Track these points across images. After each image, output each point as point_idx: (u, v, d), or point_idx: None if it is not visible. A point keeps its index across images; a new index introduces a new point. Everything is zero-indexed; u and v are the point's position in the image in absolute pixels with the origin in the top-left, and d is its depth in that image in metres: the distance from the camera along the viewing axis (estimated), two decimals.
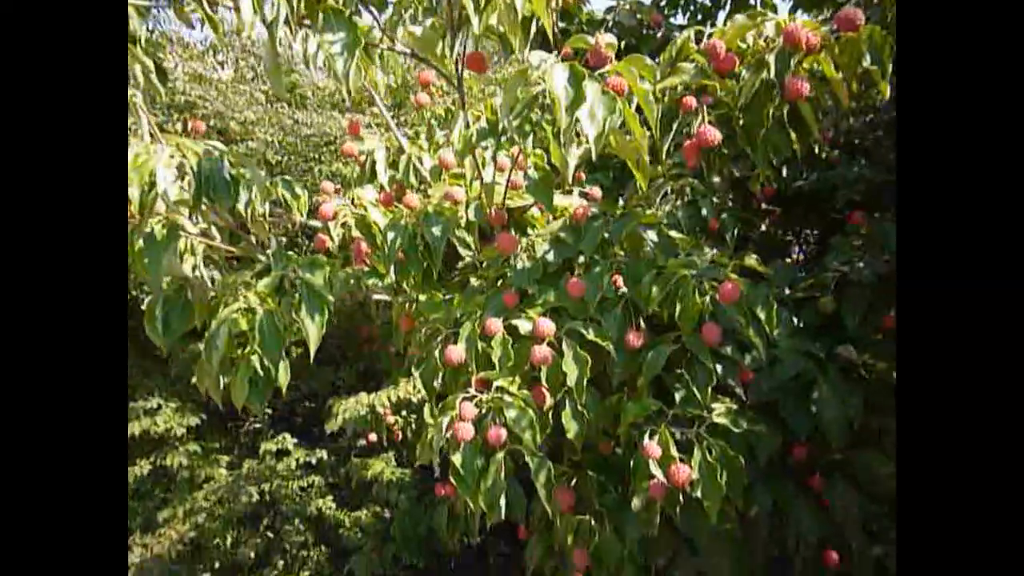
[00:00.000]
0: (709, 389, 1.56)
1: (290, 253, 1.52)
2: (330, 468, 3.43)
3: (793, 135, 1.47)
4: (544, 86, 1.29)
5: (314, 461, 3.30)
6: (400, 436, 3.15)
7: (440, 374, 1.61)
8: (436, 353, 1.55)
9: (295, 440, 3.41)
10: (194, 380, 1.64)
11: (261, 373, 1.39)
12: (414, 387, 2.92)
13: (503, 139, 1.44)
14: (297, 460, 3.27)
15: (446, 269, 2.30)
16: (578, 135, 1.34)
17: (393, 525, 3.14)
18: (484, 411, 1.49)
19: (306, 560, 3.33)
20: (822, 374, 1.71)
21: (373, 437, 3.24)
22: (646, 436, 1.52)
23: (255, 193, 1.62)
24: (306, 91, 4.40)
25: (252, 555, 3.31)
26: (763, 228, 2.43)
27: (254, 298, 1.38)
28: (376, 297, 1.78)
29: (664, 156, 1.53)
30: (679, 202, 2.17)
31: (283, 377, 1.40)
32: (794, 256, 2.67)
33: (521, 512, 1.59)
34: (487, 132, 1.44)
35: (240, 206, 1.61)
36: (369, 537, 3.17)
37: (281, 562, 3.36)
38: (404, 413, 3.13)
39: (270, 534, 3.43)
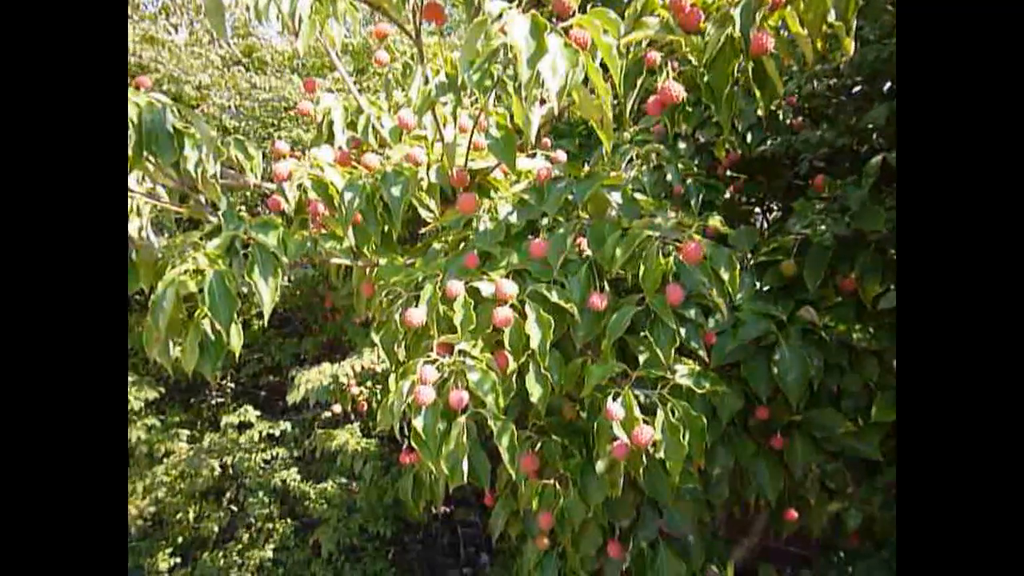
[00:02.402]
0: (673, 350, 1.56)
1: (242, 213, 1.46)
2: (294, 440, 3.39)
3: (757, 93, 1.45)
4: (505, 39, 1.25)
5: (277, 433, 3.26)
6: (365, 407, 3.12)
7: (401, 338, 1.58)
8: (396, 317, 1.52)
9: (258, 413, 3.36)
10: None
11: (212, 337, 1.34)
12: (378, 357, 2.88)
13: (463, 94, 1.39)
14: (260, 432, 3.22)
15: (409, 235, 2.25)
16: (541, 91, 1.30)
17: (359, 496, 3.12)
18: (446, 375, 1.46)
19: (271, 533, 3.29)
20: (783, 336, 1.72)
21: (338, 409, 3.20)
22: (609, 398, 1.51)
23: (205, 152, 1.55)
24: (264, 55, 4.25)
25: (216, 529, 3.26)
26: (727, 195, 2.43)
27: (203, 259, 1.33)
28: (335, 261, 1.73)
29: (628, 113, 1.50)
30: (644, 167, 2.15)
31: (236, 341, 1.35)
32: (756, 223, 2.69)
33: (486, 478, 1.58)
34: (447, 87, 1.39)
35: (189, 166, 1.54)
36: (335, 508, 3.15)
37: (246, 536, 3.32)
38: (369, 383, 3.10)
39: (233, 508, 3.39)
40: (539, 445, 1.77)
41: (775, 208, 2.70)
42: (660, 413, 1.49)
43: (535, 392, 1.54)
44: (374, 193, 1.59)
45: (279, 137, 3.45)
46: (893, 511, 1.70)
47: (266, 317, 1.40)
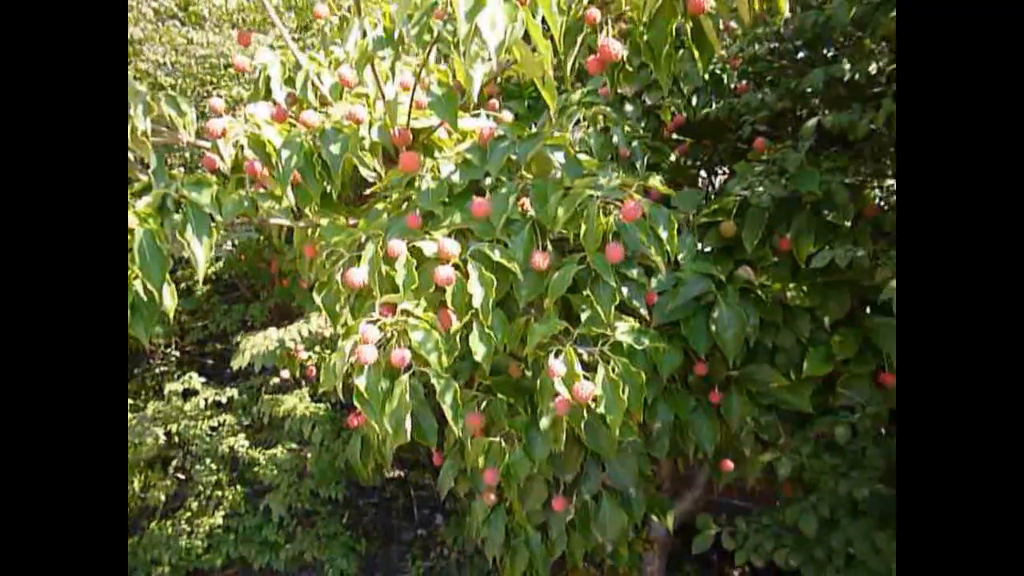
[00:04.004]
0: (613, 308, 1.59)
1: (174, 171, 1.41)
2: (242, 407, 3.34)
3: (696, 53, 1.46)
4: None
5: (224, 400, 3.20)
6: (314, 372, 3.09)
7: (345, 299, 1.57)
8: (337, 277, 1.50)
9: (204, 380, 3.29)
10: None
11: (144, 298, 1.30)
12: (326, 321, 2.84)
13: (403, 50, 1.36)
14: (206, 400, 3.16)
15: (354, 196, 2.21)
16: (482, 49, 1.28)
17: (310, 461, 3.11)
18: (389, 334, 1.46)
19: (221, 500, 3.26)
20: (722, 295, 1.77)
21: (286, 374, 3.16)
22: (551, 356, 1.53)
23: (135, 108, 1.49)
24: (201, 9, 4.05)
25: (163, 498, 3.21)
26: (673, 158, 2.46)
27: (133, 217, 1.28)
28: (275, 222, 1.70)
29: (569, 72, 1.50)
30: (591, 129, 2.16)
31: (169, 302, 1.32)
32: (701, 187, 2.73)
33: (433, 438, 1.60)
34: (384, 42, 1.36)
35: None
36: (286, 473, 3.14)
37: (195, 503, 3.28)
38: (318, 349, 3.06)
39: (180, 476, 3.34)
40: (485, 404, 1.79)
41: (720, 172, 2.74)
42: (601, 369, 1.52)
43: (479, 351, 1.55)
44: (313, 151, 1.55)
45: (218, 96, 3.32)
46: (822, 459, 1.78)
47: (200, 277, 1.36)
